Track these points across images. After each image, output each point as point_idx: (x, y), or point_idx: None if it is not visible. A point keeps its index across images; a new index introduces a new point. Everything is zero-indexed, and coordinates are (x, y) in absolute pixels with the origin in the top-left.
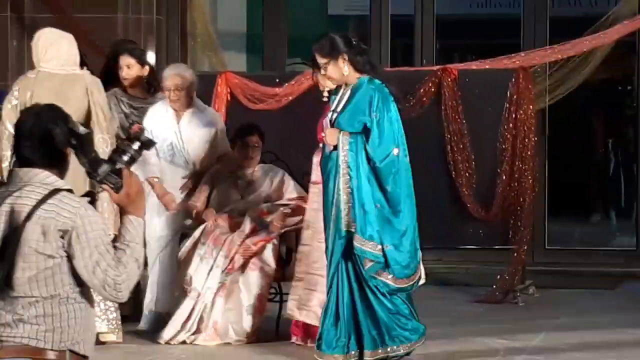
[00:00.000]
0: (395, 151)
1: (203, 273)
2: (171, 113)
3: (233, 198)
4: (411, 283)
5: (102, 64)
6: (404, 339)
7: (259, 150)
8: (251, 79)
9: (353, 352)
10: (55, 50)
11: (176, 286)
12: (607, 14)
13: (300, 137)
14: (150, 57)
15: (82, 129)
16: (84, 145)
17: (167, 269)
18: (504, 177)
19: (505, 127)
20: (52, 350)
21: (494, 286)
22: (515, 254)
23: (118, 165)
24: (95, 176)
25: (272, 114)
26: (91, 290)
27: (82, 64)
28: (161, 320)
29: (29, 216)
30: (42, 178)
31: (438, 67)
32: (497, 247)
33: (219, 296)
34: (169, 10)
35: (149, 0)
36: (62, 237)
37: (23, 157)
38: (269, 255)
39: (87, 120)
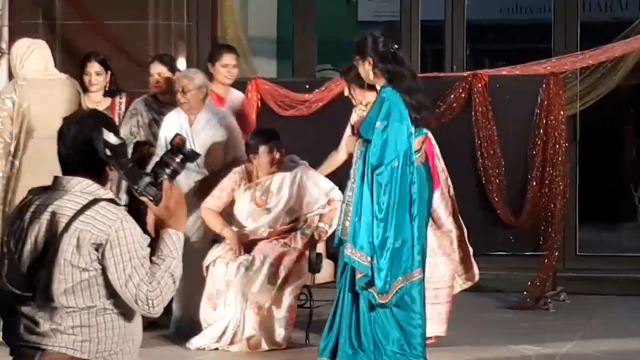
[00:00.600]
0: (395, 163)
1: (236, 286)
2: (184, 117)
3: (253, 212)
4: (386, 301)
5: (132, 70)
6: None
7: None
8: (281, 85)
9: None
10: (36, 57)
11: (202, 293)
12: (639, 19)
13: (331, 144)
14: (181, 63)
15: (113, 139)
16: (118, 155)
17: (194, 274)
18: (535, 183)
19: (536, 133)
20: (70, 356)
21: (525, 292)
22: (545, 260)
23: (159, 178)
24: (135, 188)
25: (303, 120)
26: None
27: (107, 67)
28: (189, 325)
29: (66, 227)
30: (83, 187)
31: (468, 72)
32: (527, 253)
33: (250, 309)
34: (200, 16)
35: (179, 7)
36: (96, 249)
37: (65, 164)
38: (302, 267)
39: None
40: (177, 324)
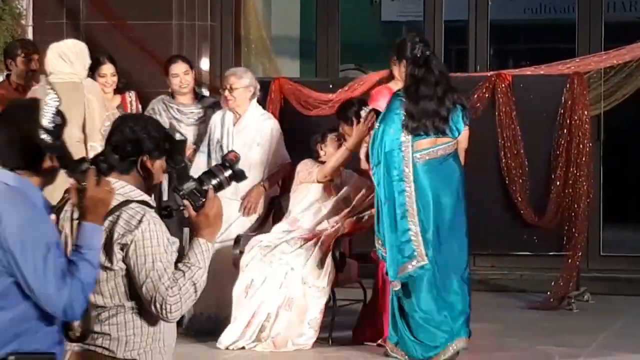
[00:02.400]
0: (381, 164)
1: (272, 279)
2: (229, 115)
3: (314, 203)
4: (397, 289)
5: (156, 70)
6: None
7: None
8: (304, 84)
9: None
10: (63, 61)
11: (231, 289)
12: None
13: None
14: (204, 63)
15: (177, 135)
16: (174, 152)
17: (219, 270)
18: (558, 183)
19: (560, 133)
20: (116, 358)
21: (549, 293)
22: (569, 261)
23: (205, 186)
24: (179, 190)
25: (326, 120)
26: None
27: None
28: (212, 322)
29: None
30: (116, 188)
31: (492, 72)
32: (551, 253)
33: (284, 309)
34: (223, 16)
35: (203, 7)
36: (121, 249)
37: (106, 164)
38: (330, 267)
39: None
40: (199, 320)
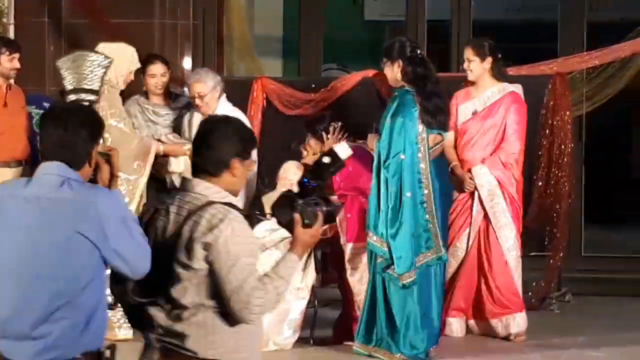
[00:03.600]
0: (402, 156)
1: None
2: (198, 117)
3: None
4: (411, 280)
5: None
6: (395, 347)
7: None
8: (287, 84)
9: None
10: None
11: None
12: None
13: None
14: (187, 62)
15: (347, 151)
16: (325, 169)
17: None
18: (540, 184)
19: (542, 133)
20: (200, 358)
21: (530, 293)
22: (551, 261)
23: (319, 209)
24: (301, 202)
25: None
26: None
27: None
28: None
29: (181, 227)
30: (202, 189)
31: None
32: (532, 254)
33: None
34: (206, 15)
35: (185, 6)
36: (204, 248)
37: (194, 165)
38: (311, 268)
39: None
40: None
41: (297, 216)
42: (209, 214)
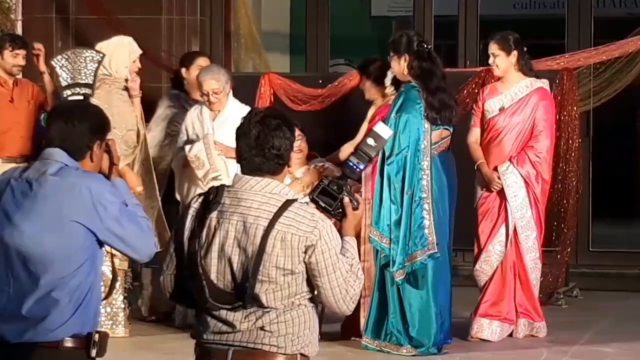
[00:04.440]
0: (406, 153)
1: None
2: (207, 111)
3: None
4: (401, 277)
5: (145, 64)
6: (405, 339)
7: (303, 145)
8: (294, 80)
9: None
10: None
11: None
12: None
13: (343, 138)
14: None
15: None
16: (370, 150)
17: None
18: None
19: None
20: (285, 354)
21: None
22: (558, 256)
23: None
24: (344, 186)
25: (315, 115)
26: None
27: None
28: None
29: (268, 230)
30: (271, 188)
31: (482, 68)
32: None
33: None
34: (213, 11)
35: (192, 2)
36: (305, 251)
37: (253, 164)
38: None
39: None
40: (182, 315)
41: (346, 199)
42: (299, 216)
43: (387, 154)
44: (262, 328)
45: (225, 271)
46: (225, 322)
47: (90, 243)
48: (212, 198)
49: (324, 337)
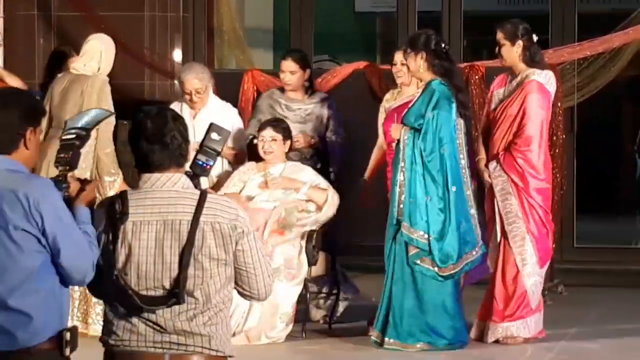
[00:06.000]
0: (444, 150)
1: None
2: (187, 111)
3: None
4: (453, 272)
5: (127, 61)
6: (430, 336)
7: (277, 145)
8: (277, 76)
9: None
10: (83, 52)
11: None
12: (637, 10)
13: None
14: (177, 54)
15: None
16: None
17: None
18: None
19: None
20: (224, 356)
21: None
22: None
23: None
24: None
25: None
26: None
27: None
28: None
29: (195, 223)
30: (182, 183)
31: (465, 64)
32: None
33: (257, 303)
34: (196, 7)
35: None
36: (235, 239)
37: (156, 159)
38: (303, 261)
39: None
40: None
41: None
42: (219, 205)
43: (425, 151)
44: (199, 332)
45: (152, 275)
46: (157, 324)
47: (40, 248)
48: (119, 209)
49: (310, 335)
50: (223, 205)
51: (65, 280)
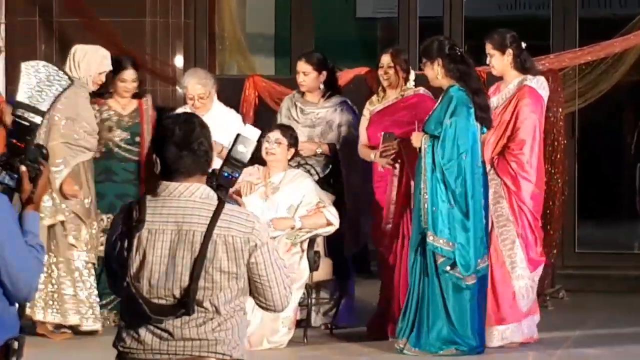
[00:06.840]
0: (464, 156)
1: None
2: None
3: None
4: (474, 281)
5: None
6: (452, 343)
7: (281, 149)
8: (279, 82)
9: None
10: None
11: None
12: (638, 15)
13: None
14: (178, 60)
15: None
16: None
17: None
18: None
19: None
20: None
21: None
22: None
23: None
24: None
25: None
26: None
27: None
28: None
29: (208, 235)
30: (201, 193)
31: None
32: None
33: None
34: (197, 13)
35: (177, 4)
36: (248, 252)
37: (182, 166)
38: (305, 267)
39: None
40: None
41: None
42: (235, 217)
43: (444, 158)
44: (206, 337)
45: (164, 284)
46: (166, 331)
47: None
48: (136, 216)
49: (312, 340)
50: (239, 218)
51: (8, 295)
